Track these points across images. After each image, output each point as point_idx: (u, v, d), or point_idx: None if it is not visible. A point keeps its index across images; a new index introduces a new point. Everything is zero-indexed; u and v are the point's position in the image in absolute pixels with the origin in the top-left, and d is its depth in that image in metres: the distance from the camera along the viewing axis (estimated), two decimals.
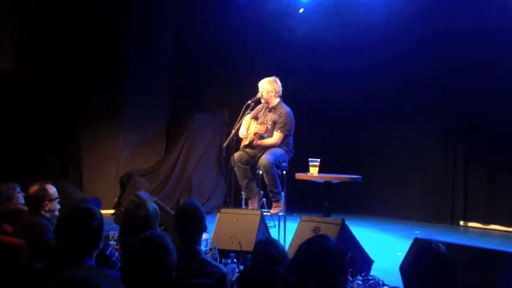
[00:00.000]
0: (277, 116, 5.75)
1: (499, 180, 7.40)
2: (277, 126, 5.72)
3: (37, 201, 3.82)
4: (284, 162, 5.72)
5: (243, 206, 6.18)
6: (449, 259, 2.35)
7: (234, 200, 6.11)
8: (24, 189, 4.25)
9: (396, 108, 8.31)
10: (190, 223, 3.17)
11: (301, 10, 8.07)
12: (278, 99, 5.82)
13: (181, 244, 3.05)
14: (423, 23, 7.62)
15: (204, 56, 8.57)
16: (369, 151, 8.72)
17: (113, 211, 7.45)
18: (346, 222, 4.67)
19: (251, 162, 5.77)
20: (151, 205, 3.53)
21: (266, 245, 3.23)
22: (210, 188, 8.48)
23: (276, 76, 5.87)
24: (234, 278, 3.54)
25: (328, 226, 4.60)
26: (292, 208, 6.54)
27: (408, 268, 2.45)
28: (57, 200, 3.92)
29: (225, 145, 6.03)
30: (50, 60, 7.61)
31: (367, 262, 4.63)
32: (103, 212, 5.29)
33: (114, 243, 4.09)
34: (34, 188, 3.87)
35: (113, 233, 4.32)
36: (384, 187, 8.36)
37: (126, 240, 3.38)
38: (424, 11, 7.51)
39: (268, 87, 5.76)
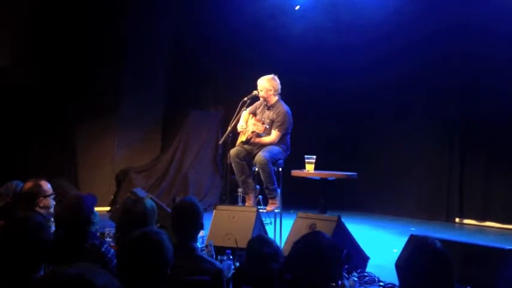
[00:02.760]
0: (275, 115, 5.67)
1: (494, 178, 7.42)
2: (275, 124, 5.66)
3: (31, 198, 3.79)
4: (280, 160, 5.69)
5: (239, 203, 6.18)
6: (445, 256, 2.35)
7: (230, 197, 6.11)
8: None
9: (393, 106, 8.31)
10: (188, 220, 3.16)
11: (297, 7, 8.06)
12: (277, 97, 5.75)
13: (178, 241, 3.04)
14: (421, 20, 7.60)
15: (200, 53, 8.55)
16: (365, 148, 8.73)
17: (108, 208, 7.44)
18: (342, 219, 4.69)
19: (248, 158, 5.75)
20: (149, 202, 3.52)
21: (258, 244, 3.23)
22: (206, 185, 8.47)
23: (273, 73, 5.83)
24: (229, 275, 3.54)
25: (324, 223, 4.61)
26: (288, 205, 6.53)
27: (404, 265, 2.45)
28: (52, 197, 3.90)
29: (221, 142, 6.00)
30: (48, 59, 7.58)
31: (363, 259, 4.65)
32: (99, 209, 5.30)
33: (110, 240, 4.09)
34: (28, 185, 3.85)
35: (108, 230, 4.31)
36: (380, 184, 8.37)
37: (122, 236, 3.37)
38: (422, 8, 7.50)
39: (267, 85, 5.69)
